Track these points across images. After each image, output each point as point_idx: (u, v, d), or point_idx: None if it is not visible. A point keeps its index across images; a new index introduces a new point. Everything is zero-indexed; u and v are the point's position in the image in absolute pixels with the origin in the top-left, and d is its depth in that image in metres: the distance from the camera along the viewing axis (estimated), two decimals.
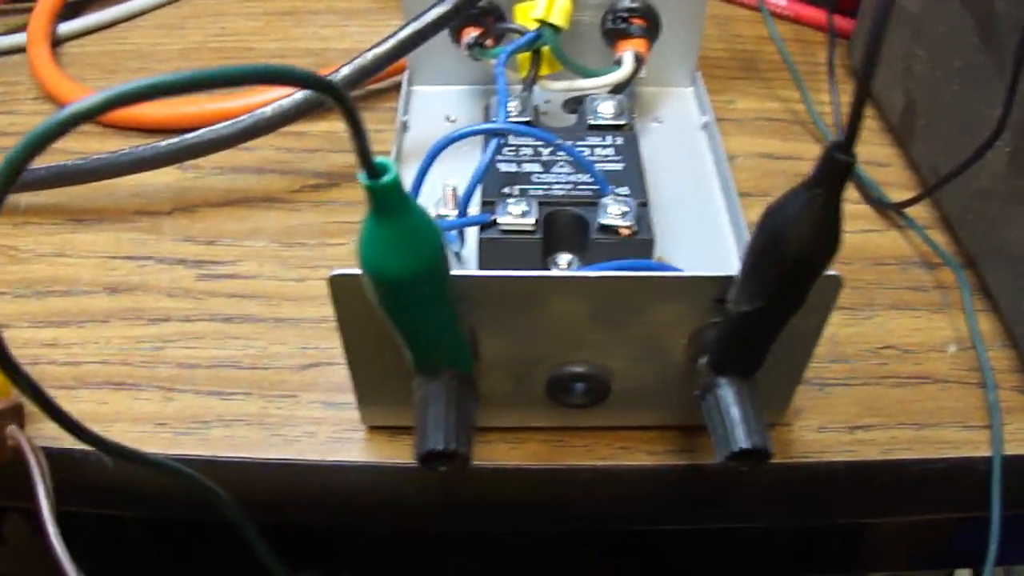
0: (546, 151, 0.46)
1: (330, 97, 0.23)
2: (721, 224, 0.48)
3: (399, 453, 0.41)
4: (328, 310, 0.43)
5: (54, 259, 0.50)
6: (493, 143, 0.43)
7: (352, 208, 0.53)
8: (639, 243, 0.42)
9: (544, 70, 0.50)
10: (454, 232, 0.44)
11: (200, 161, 0.54)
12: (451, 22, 0.50)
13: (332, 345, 0.45)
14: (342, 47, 0.65)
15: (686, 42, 0.55)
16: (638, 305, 0.35)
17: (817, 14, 0.67)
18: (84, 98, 0.21)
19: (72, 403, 0.43)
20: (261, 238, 0.51)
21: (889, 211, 0.53)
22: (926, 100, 0.53)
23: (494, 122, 0.44)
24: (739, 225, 0.46)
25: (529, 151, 0.46)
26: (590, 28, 0.53)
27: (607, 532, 0.77)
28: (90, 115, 0.21)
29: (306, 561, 0.83)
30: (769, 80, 0.62)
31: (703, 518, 0.47)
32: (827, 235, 0.30)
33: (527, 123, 0.47)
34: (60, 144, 0.55)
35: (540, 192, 0.43)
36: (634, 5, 0.51)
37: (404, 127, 0.53)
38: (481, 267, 0.43)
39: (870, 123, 0.58)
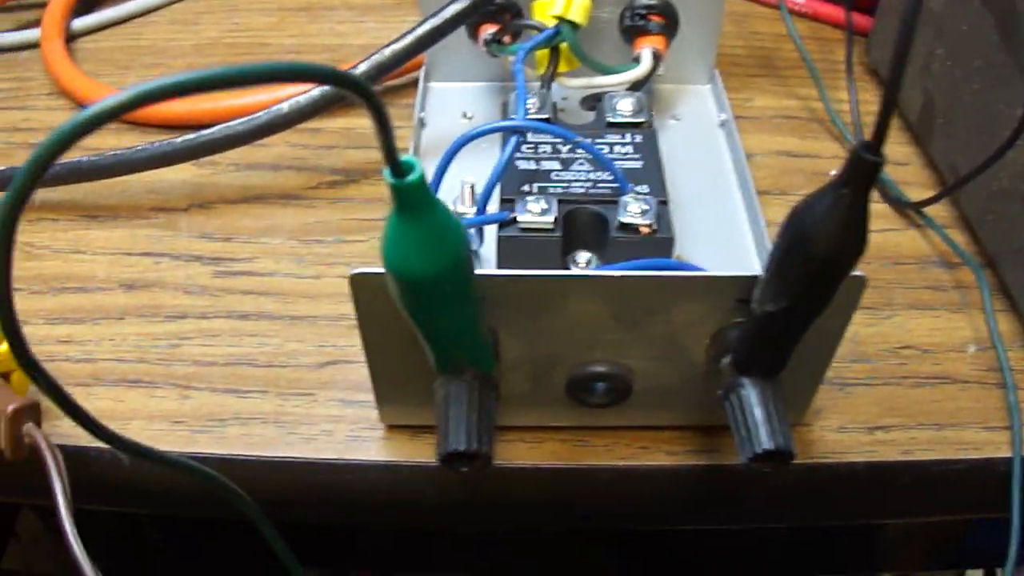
0: (565, 148, 0.45)
1: (357, 94, 0.23)
2: (740, 222, 0.48)
3: (418, 452, 0.41)
4: (345, 307, 0.43)
5: (69, 255, 0.50)
6: (512, 141, 0.43)
7: (369, 205, 0.53)
8: (659, 241, 0.41)
9: (562, 67, 0.50)
10: (472, 230, 0.44)
11: (216, 157, 0.53)
12: (469, 18, 0.50)
13: (349, 343, 0.45)
14: (358, 43, 0.65)
15: (704, 39, 0.54)
16: (660, 305, 0.35)
17: (835, 11, 0.66)
18: (109, 97, 0.20)
19: (88, 400, 0.43)
20: (278, 235, 0.51)
21: (908, 210, 0.52)
22: (945, 99, 0.52)
23: (513, 119, 0.44)
24: (758, 224, 0.46)
25: (548, 148, 0.45)
26: (608, 25, 0.52)
27: (620, 530, 0.77)
28: (115, 114, 0.20)
29: (313, 558, 0.83)
30: (787, 78, 0.61)
31: (722, 518, 0.47)
32: (854, 235, 0.30)
33: (546, 120, 0.47)
34: None
35: (559, 190, 0.43)
36: (653, 2, 0.51)
37: (421, 123, 0.53)
38: (499, 265, 0.43)
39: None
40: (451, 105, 0.55)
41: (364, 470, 0.41)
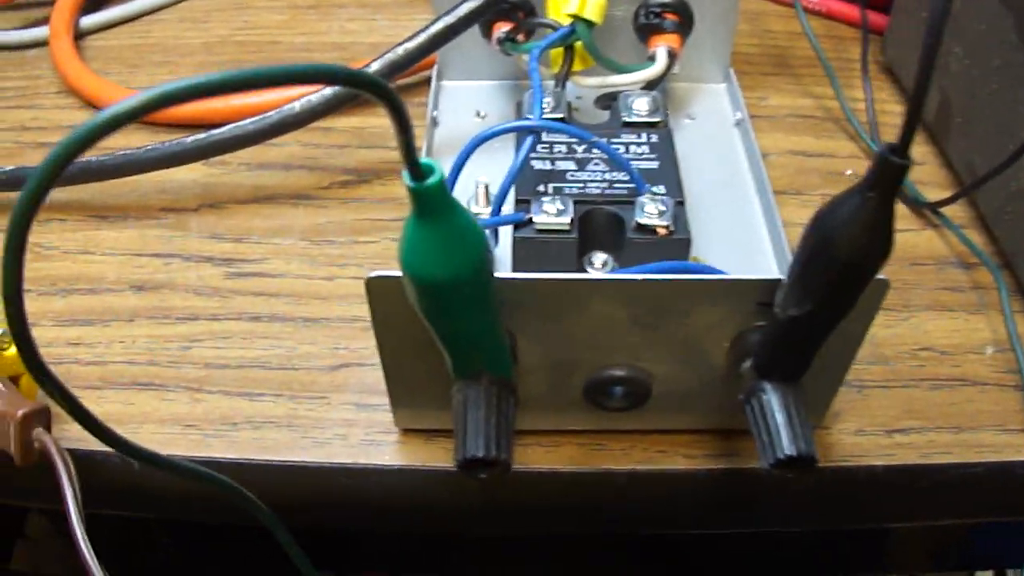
0: (580, 148, 0.45)
1: (379, 97, 0.23)
2: (756, 223, 0.47)
3: (433, 456, 0.41)
4: (358, 309, 0.42)
5: (78, 256, 0.50)
6: (528, 141, 0.42)
7: (382, 205, 0.52)
8: (676, 243, 0.41)
9: (577, 66, 0.49)
10: (487, 231, 0.43)
11: (227, 157, 0.53)
12: (482, 17, 0.49)
13: (363, 345, 0.45)
14: (369, 41, 0.65)
15: (719, 38, 0.54)
16: (681, 308, 0.35)
17: (849, 9, 0.66)
18: (130, 98, 0.20)
19: (98, 404, 0.43)
20: (289, 235, 0.50)
21: (925, 210, 0.52)
22: (962, 98, 0.52)
23: (529, 119, 0.43)
24: (775, 224, 0.45)
25: (563, 148, 0.45)
26: (622, 23, 0.52)
27: (632, 534, 0.76)
28: (136, 115, 0.20)
29: (323, 560, 0.83)
30: (801, 76, 0.61)
31: (740, 522, 0.47)
32: (879, 239, 0.29)
33: (561, 120, 0.46)
34: None
35: (575, 190, 0.43)
36: (667, 0, 0.51)
37: (434, 122, 0.52)
38: (515, 266, 0.42)
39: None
40: (464, 104, 0.55)
41: (379, 474, 0.41)
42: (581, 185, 0.43)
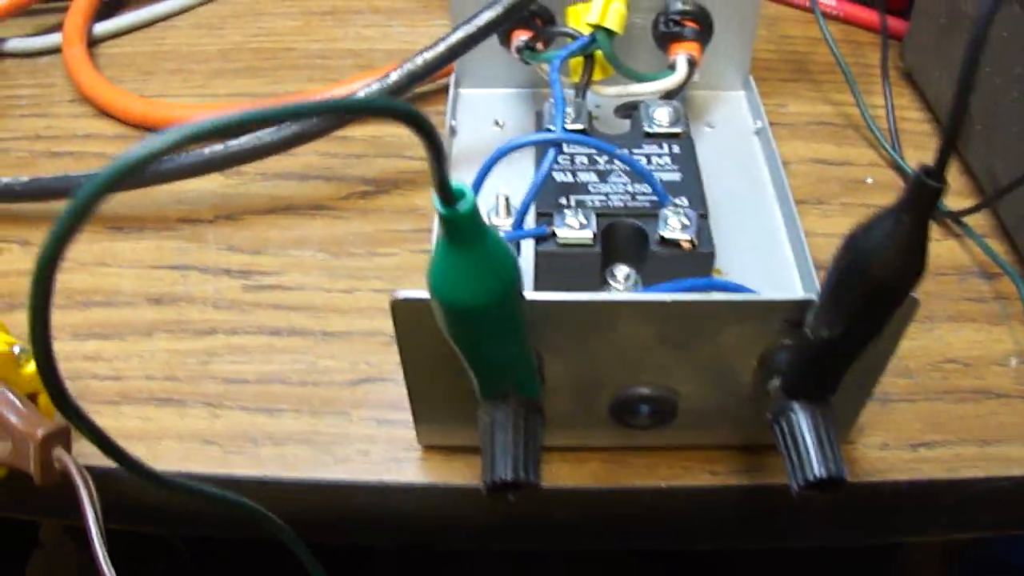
0: (602, 160, 0.44)
1: (415, 128, 0.22)
2: (778, 234, 0.47)
3: (457, 473, 0.40)
4: (379, 323, 0.42)
5: (95, 268, 0.49)
6: (550, 154, 0.42)
7: (401, 216, 0.52)
8: (699, 256, 0.41)
9: (597, 75, 0.49)
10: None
11: (243, 167, 0.52)
12: (502, 26, 0.49)
13: (384, 360, 0.44)
14: (385, 48, 0.64)
15: (738, 45, 0.54)
16: (709, 328, 0.34)
17: (867, 14, 0.65)
18: (153, 138, 0.19)
19: (117, 419, 0.42)
20: (308, 247, 0.50)
21: (946, 219, 0.51)
22: (983, 105, 0.51)
23: (552, 132, 0.43)
24: (797, 235, 0.45)
25: (584, 160, 0.45)
26: (642, 31, 0.52)
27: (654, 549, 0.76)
28: (161, 154, 0.19)
29: (341, 573, 0.83)
30: (820, 83, 0.60)
31: (764, 538, 0.46)
32: (913, 261, 0.29)
33: (582, 131, 0.46)
34: (99, 147, 0.55)
35: (597, 203, 0.42)
36: (687, 8, 0.50)
37: (452, 132, 0.52)
38: (537, 280, 0.42)
39: (923, 127, 0.57)
40: (482, 112, 0.54)
41: (402, 492, 0.40)
42: (603, 197, 0.43)
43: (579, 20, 0.48)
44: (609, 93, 0.49)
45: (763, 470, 0.41)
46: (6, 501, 0.42)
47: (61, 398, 0.24)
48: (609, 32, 0.47)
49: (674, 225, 0.41)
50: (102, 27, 0.66)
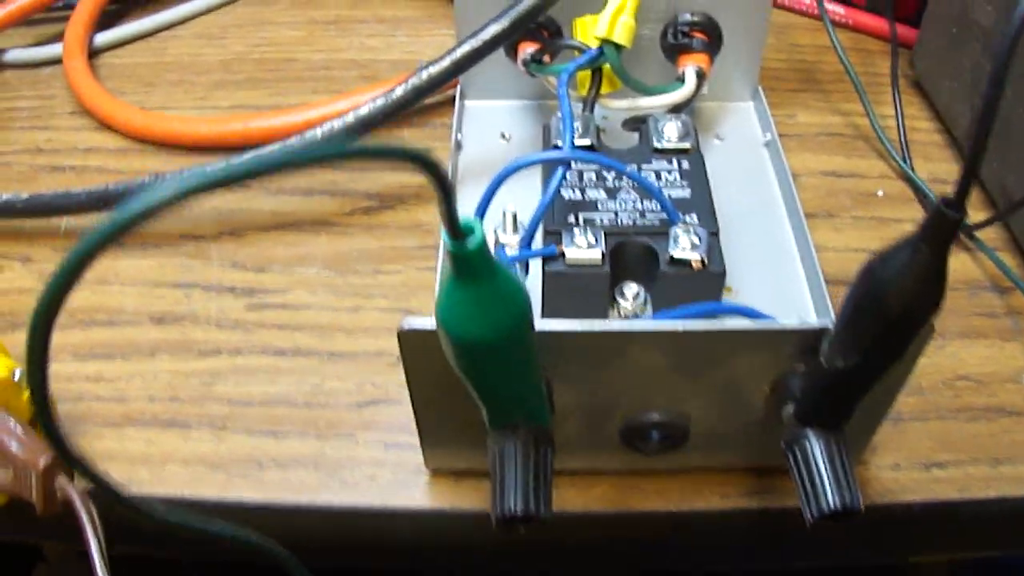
0: (611, 176, 0.44)
1: (425, 171, 0.22)
2: (788, 249, 0.46)
3: (465, 498, 0.40)
4: (385, 343, 0.41)
5: (96, 286, 0.48)
6: (558, 173, 0.41)
7: (407, 232, 0.51)
8: (710, 275, 0.40)
9: (605, 88, 0.48)
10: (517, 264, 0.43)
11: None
12: (508, 40, 0.48)
13: (390, 380, 0.44)
14: (389, 58, 0.64)
15: (748, 55, 0.53)
16: (723, 356, 0.34)
17: (876, 22, 0.65)
18: (152, 192, 0.18)
19: (120, 443, 0.42)
20: (312, 264, 0.49)
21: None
22: (997, 119, 0.51)
23: (560, 150, 0.42)
24: (808, 251, 0.45)
25: (593, 176, 0.44)
26: (649, 42, 0.51)
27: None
28: (161, 208, 0.19)
29: None
30: (830, 92, 0.60)
31: (776, 560, 0.46)
32: (931, 292, 0.28)
33: (590, 147, 0.45)
34: (100, 161, 0.54)
35: (606, 221, 0.42)
36: (695, 19, 0.50)
37: (458, 146, 0.51)
38: (545, 300, 0.42)
39: (934, 137, 0.57)
40: (488, 125, 0.54)
41: (409, 517, 0.40)
42: (612, 215, 0.42)
43: (586, 33, 0.47)
44: (617, 106, 0.49)
45: (774, 492, 0.40)
46: (8, 526, 0.42)
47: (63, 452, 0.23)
48: (617, 46, 0.46)
49: (684, 244, 0.40)
50: (103, 37, 0.66)
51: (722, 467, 0.41)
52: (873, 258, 0.29)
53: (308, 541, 0.40)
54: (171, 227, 0.51)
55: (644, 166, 0.45)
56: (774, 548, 0.43)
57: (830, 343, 0.32)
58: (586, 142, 0.45)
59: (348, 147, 0.20)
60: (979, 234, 0.50)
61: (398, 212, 0.52)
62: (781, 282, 0.45)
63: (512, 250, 0.43)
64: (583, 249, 0.40)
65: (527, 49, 0.49)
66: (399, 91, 0.49)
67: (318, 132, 0.49)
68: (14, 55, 0.65)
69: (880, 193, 0.53)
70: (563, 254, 0.40)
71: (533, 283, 0.43)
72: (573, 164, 0.44)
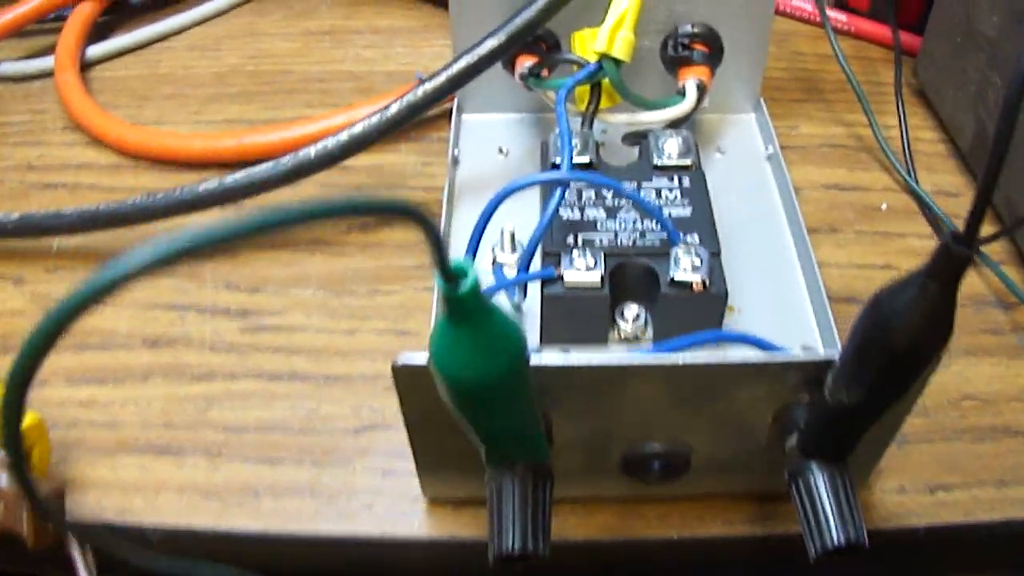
0: (610, 195, 0.43)
1: (415, 223, 0.21)
2: (791, 266, 0.46)
3: (464, 527, 0.39)
4: (382, 366, 0.41)
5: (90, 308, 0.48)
6: (557, 194, 0.41)
7: (403, 251, 0.50)
8: (711, 297, 0.40)
9: (604, 103, 0.48)
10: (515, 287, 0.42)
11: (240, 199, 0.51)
12: (505, 54, 0.47)
13: (387, 405, 0.43)
14: (385, 70, 0.63)
15: (749, 67, 0.52)
16: (724, 387, 0.33)
17: (878, 30, 0.64)
18: (123, 260, 0.18)
19: (114, 471, 0.41)
20: (308, 285, 0.48)
21: None
22: None
23: (559, 172, 0.42)
24: (811, 267, 0.44)
25: (592, 195, 0.43)
26: (649, 53, 0.50)
27: None
28: (133, 278, 0.18)
29: None
30: (832, 102, 0.59)
31: None
32: (939, 328, 0.28)
33: (589, 164, 0.45)
34: (93, 179, 0.54)
35: (605, 242, 0.41)
36: (696, 30, 0.49)
37: (455, 162, 0.51)
38: (544, 323, 0.41)
39: (938, 148, 0.56)
40: (485, 139, 0.53)
41: (406, 547, 0.39)
42: (611, 235, 0.42)
43: (585, 47, 0.47)
44: (616, 121, 0.48)
45: (777, 518, 0.40)
46: None
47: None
48: (617, 61, 0.46)
49: (685, 266, 0.39)
50: (95, 50, 0.65)
51: (725, 493, 0.40)
52: (880, 292, 0.28)
53: (305, 571, 0.40)
54: None
55: (644, 184, 0.44)
56: (778, 575, 0.42)
57: (834, 377, 0.31)
58: (585, 159, 0.45)
59: (339, 204, 0.20)
60: (984, 249, 0.49)
61: (395, 230, 0.51)
62: (784, 301, 0.44)
63: (510, 270, 0.42)
64: (582, 272, 0.40)
65: (525, 63, 0.49)
66: (394, 108, 0.48)
67: (311, 152, 0.48)
68: (5, 68, 0.64)
69: (884, 206, 0.52)
70: (561, 277, 0.40)
71: (531, 305, 0.42)
72: (573, 183, 0.43)
